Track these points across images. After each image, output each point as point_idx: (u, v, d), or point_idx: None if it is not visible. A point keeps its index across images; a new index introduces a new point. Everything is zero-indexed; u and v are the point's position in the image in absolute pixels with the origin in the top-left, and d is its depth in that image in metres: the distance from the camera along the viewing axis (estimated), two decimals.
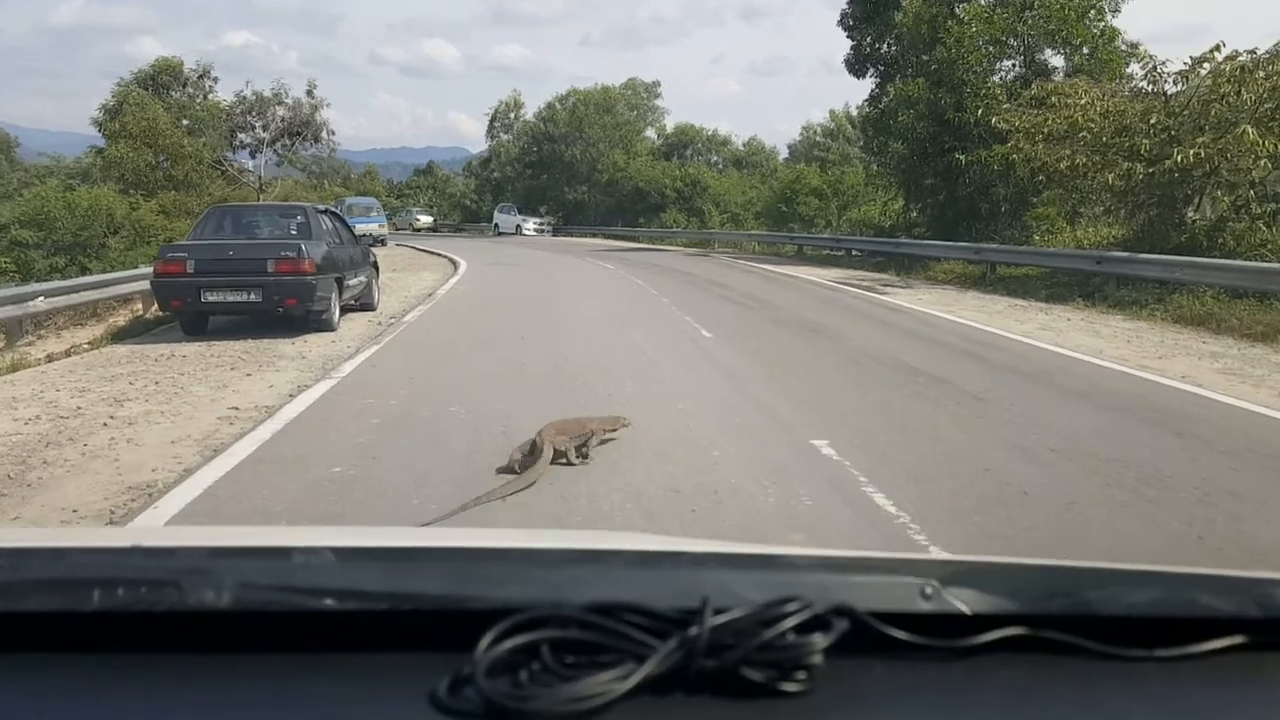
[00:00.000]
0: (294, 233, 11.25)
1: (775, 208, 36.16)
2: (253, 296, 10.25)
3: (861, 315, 12.52)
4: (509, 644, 0.76)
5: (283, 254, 10.24)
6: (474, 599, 0.86)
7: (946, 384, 7.32)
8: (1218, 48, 14.27)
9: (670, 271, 20.91)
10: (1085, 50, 20.03)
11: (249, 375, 8.00)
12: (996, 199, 20.69)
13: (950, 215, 21.73)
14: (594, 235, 45.60)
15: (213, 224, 11.76)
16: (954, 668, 0.85)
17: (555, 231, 48.82)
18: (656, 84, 55.77)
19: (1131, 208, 15.71)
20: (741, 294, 15.32)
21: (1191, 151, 12.94)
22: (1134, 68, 17.13)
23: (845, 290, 16.19)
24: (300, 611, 0.86)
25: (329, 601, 0.86)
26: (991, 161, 19.31)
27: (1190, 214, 14.86)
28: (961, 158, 19.63)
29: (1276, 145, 12.67)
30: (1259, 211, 13.62)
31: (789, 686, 0.77)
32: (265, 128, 33.69)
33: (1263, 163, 12.91)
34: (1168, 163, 13.32)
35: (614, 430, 5.18)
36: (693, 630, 0.76)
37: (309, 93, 33.29)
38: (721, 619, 0.77)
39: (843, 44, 26.24)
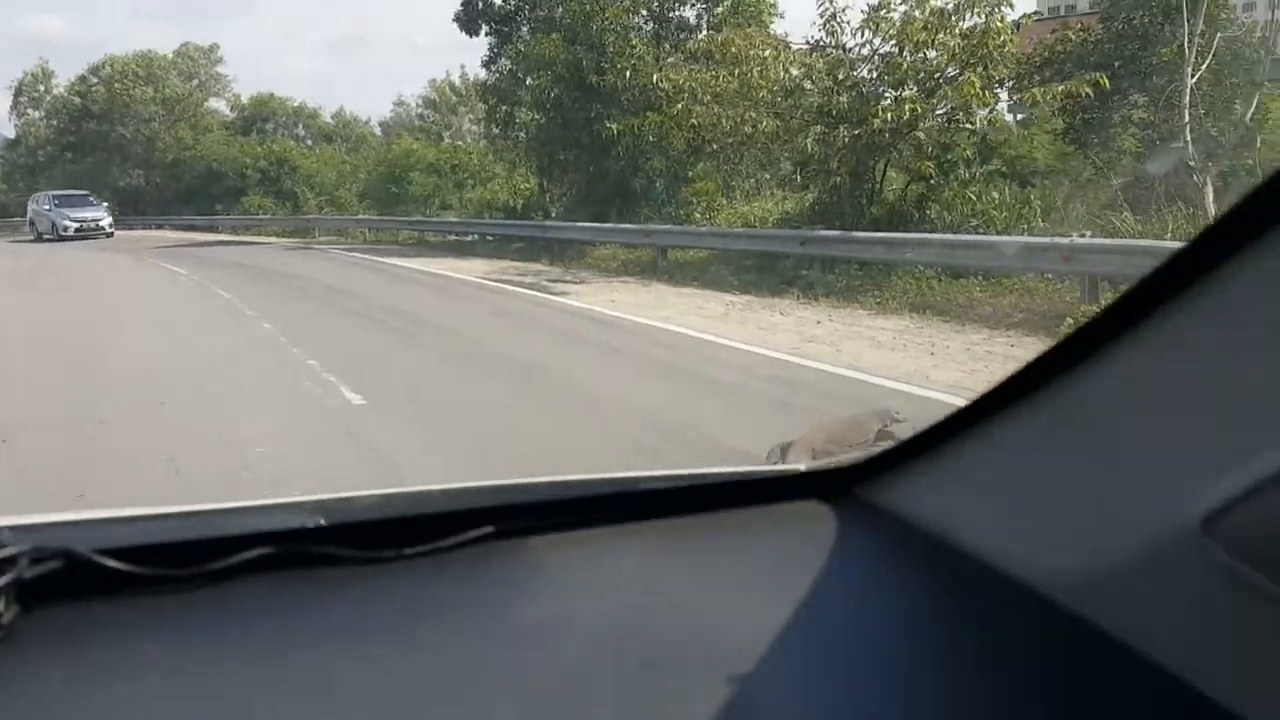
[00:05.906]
0: None
1: (383, 188, 31.56)
2: None
3: (563, 335, 9.12)
4: None
5: None
6: None
7: None
8: None
9: (268, 275, 16.04)
10: (727, 3, 18.21)
11: None
12: (652, 173, 18.33)
13: (600, 193, 19.04)
14: (160, 227, 37.94)
15: None
16: (198, 596, 0.82)
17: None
18: (215, 47, 47.99)
19: (818, 176, 13.81)
20: (380, 307, 11.14)
21: (907, 107, 11.10)
22: (807, 15, 15.39)
23: (512, 292, 12.70)
24: None
25: None
26: (646, 131, 16.89)
27: (884, 182, 13.27)
28: (613, 127, 16.95)
29: (995, 96, 11.29)
30: (967, 176, 12.23)
31: None
32: None
33: (980, 116, 11.43)
34: (876, 121, 11.41)
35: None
36: None
37: None
38: None
39: (428, 19, 22.56)
